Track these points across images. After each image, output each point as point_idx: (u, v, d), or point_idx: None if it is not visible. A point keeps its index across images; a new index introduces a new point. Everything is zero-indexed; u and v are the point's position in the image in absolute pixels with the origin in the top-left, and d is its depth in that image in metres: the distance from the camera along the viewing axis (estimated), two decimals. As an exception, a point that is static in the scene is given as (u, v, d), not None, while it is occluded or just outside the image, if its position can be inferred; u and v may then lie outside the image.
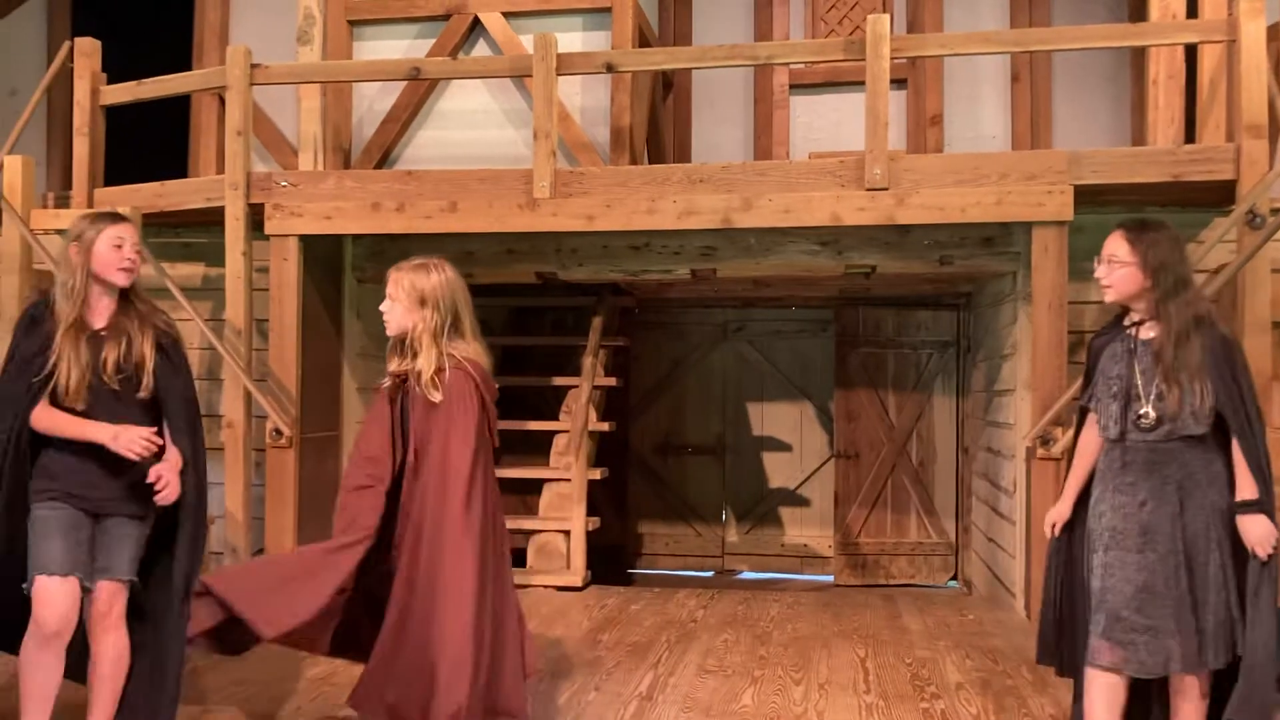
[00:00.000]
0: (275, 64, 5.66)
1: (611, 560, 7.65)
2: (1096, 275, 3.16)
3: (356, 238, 5.89)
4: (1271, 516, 2.98)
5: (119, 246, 3.29)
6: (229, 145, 5.57)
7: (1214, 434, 3.03)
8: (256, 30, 6.97)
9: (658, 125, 6.73)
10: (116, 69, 6.16)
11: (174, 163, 7.17)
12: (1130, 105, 6.77)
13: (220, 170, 6.37)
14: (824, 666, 4.57)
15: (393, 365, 3.27)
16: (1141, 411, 3.03)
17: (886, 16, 5.07)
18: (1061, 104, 6.91)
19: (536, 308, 7.53)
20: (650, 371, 8.41)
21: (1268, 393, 4.73)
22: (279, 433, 5.41)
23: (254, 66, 5.56)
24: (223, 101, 6.01)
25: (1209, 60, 5.14)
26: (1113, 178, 4.90)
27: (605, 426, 6.54)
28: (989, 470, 6.41)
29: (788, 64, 6.90)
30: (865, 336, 7.44)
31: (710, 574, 8.24)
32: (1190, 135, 5.42)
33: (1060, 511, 3.31)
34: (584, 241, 5.59)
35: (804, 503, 8.20)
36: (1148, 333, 3.08)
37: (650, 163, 6.44)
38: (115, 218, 3.37)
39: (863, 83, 5.07)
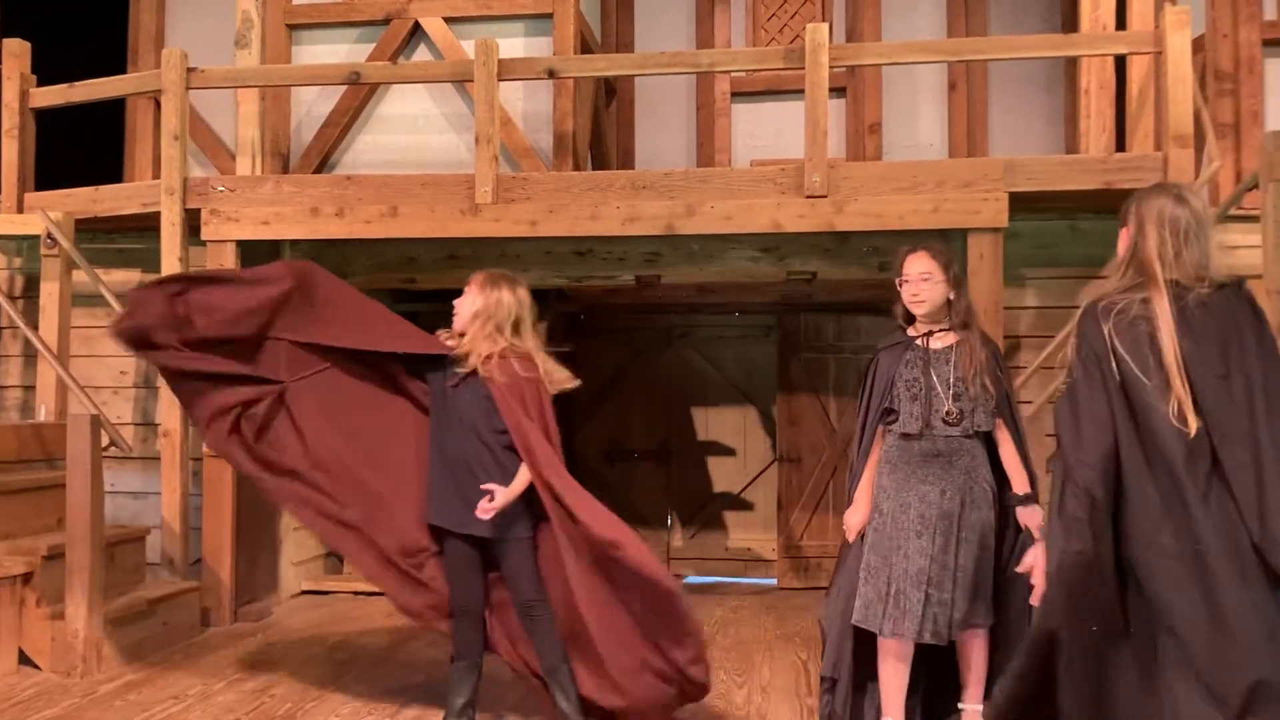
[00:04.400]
0: (212, 68, 5.59)
1: (556, 567, 7.62)
2: (912, 293, 3.52)
3: (295, 243, 5.82)
4: (1038, 504, 3.42)
5: None
6: (165, 150, 5.49)
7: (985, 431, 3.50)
8: (193, 33, 6.89)
9: (601, 131, 6.74)
10: (48, 71, 6.04)
11: (108, 167, 7.05)
12: (1064, 114, 6.91)
13: (156, 175, 6.29)
14: (766, 670, 4.60)
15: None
16: (946, 409, 3.44)
17: (825, 25, 5.13)
18: (997, 113, 7.03)
19: (480, 314, 7.47)
20: (595, 377, 8.39)
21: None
22: (217, 441, 5.32)
23: (190, 70, 5.48)
24: (158, 105, 5.92)
25: (1138, 71, 5.26)
26: (1046, 185, 4.99)
27: (549, 433, 6.52)
28: (929, 473, 6.48)
29: (728, 71, 6.95)
30: (807, 342, 7.49)
31: (655, 579, 8.24)
32: (1121, 144, 5.54)
33: (862, 518, 3.60)
34: (527, 247, 5.58)
35: (748, 507, 8.24)
36: (937, 342, 3.52)
37: (594, 169, 6.45)
38: None
39: (803, 91, 5.12)
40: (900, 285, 3.56)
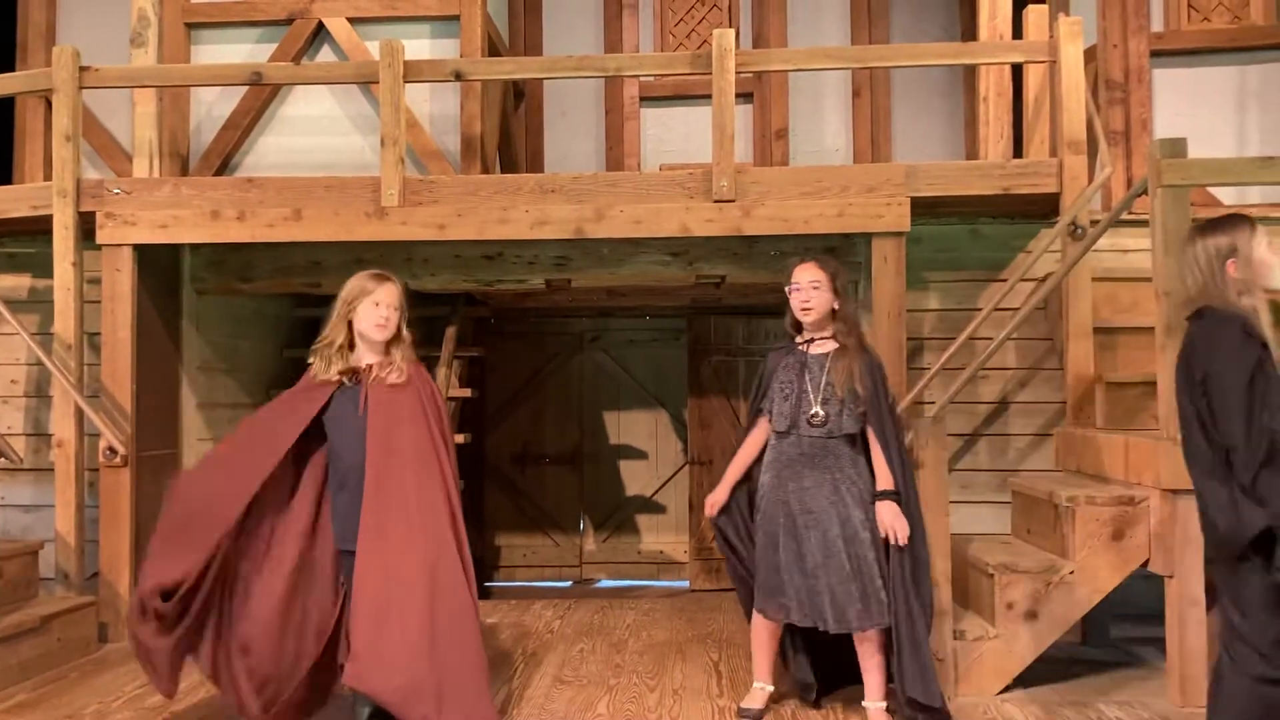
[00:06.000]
0: (107, 66, 5.42)
1: (468, 574, 7.55)
2: (802, 300, 3.78)
3: (195, 247, 5.68)
4: (902, 505, 3.67)
5: None
6: (57, 151, 5.31)
7: (861, 435, 3.75)
8: (86, 31, 6.67)
9: (509, 134, 6.70)
10: (-70, 68, 5.80)
11: (-4, 168, 6.80)
12: (964, 121, 7.08)
13: (48, 177, 6.07)
14: (678, 672, 4.62)
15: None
16: (813, 411, 3.72)
17: (732, 31, 5.17)
18: (900, 118, 7.18)
19: (388, 318, 7.37)
20: (507, 382, 8.36)
21: (1090, 394, 5.00)
22: (113, 451, 5.17)
23: (83, 69, 5.31)
24: (50, 105, 5.72)
25: (1034, 79, 5.42)
26: (947, 190, 5.11)
27: (460, 438, 6.46)
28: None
29: (636, 76, 6.98)
30: (717, 345, 7.56)
31: (569, 584, 8.23)
32: (1019, 150, 5.70)
33: (720, 497, 4.01)
34: (436, 251, 5.52)
35: (660, 510, 8.28)
36: (817, 349, 3.81)
37: (502, 171, 6.42)
38: None
39: (710, 96, 5.16)
40: (791, 293, 3.82)
